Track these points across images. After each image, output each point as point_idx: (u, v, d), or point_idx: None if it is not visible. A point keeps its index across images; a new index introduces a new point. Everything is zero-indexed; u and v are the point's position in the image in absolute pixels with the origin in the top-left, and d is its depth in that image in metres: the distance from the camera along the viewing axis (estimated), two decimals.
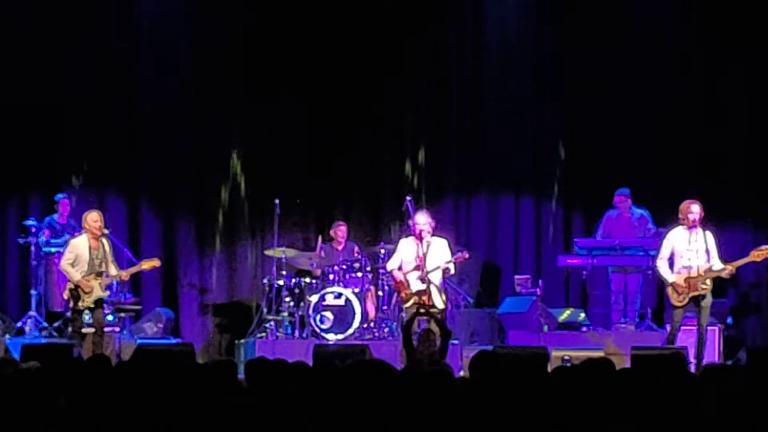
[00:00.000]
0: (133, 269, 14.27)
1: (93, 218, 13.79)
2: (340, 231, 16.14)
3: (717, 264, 13.50)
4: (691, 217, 13.46)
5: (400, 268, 13.76)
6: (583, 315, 15.88)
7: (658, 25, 16.72)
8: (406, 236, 13.99)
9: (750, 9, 16.37)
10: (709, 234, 13.51)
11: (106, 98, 16.82)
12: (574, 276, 16.70)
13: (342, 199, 16.99)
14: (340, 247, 16.06)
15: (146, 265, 14.22)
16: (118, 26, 16.83)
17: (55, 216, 16.06)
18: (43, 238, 15.78)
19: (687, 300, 13.47)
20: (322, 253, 15.94)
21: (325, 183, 16.93)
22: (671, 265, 13.64)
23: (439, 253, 13.64)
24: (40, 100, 16.52)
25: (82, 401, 6.66)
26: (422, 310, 13.34)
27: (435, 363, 11.28)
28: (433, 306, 13.50)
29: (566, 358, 12.32)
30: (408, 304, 13.62)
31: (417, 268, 13.57)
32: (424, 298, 13.52)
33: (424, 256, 13.58)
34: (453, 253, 13.79)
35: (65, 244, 14.42)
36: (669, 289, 13.64)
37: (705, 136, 16.58)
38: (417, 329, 13.49)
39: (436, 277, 13.62)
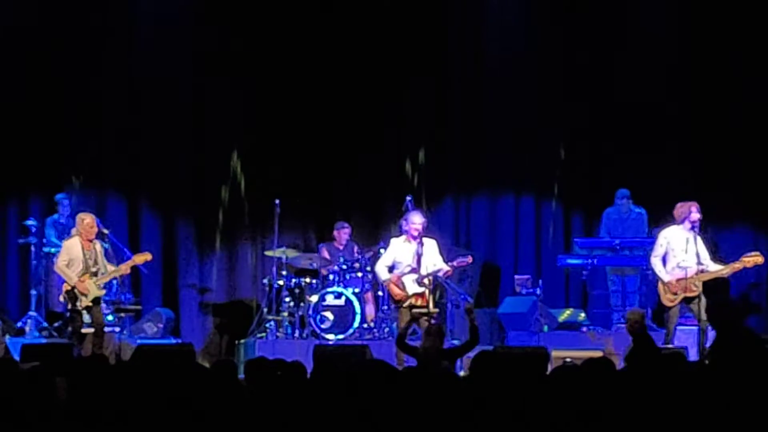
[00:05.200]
0: (127, 264, 14.27)
1: (89, 223, 13.84)
2: (344, 233, 16.13)
3: (712, 265, 13.56)
4: (693, 218, 13.52)
5: (391, 269, 13.72)
6: (583, 315, 15.90)
7: (659, 25, 16.72)
8: (397, 236, 13.95)
9: (749, 10, 16.38)
10: (698, 236, 13.59)
11: (106, 98, 16.82)
12: (574, 276, 16.71)
13: (342, 199, 16.98)
14: (341, 248, 16.07)
15: (138, 259, 14.25)
16: (117, 26, 16.82)
17: (56, 216, 16.06)
18: (53, 236, 15.78)
19: (679, 300, 13.54)
20: (325, 253, 15.96)
21: (325, 183, 16.93)
22: (663, 264, 13.69)
23: (431, 255, 13.64)
24: (40, 101, 16.53)
25: (81, 401, 6.66)
26: (417, 312, 13.41)
27: (442, 357, 11.37)
28: (427, 307, 13.52)
29: (567, 360, 12.31)
30: (404, 305, 13.58)
31: (414, 270, 13.55)
32: (420, 300, 13.51)
33: (419, 257, 13.56)
34: (442, 254, 13.79)
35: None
36: (661, 289, 13.67)
37: (705, 137, 16.59)
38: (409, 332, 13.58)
39: (428, 280, 13.66)
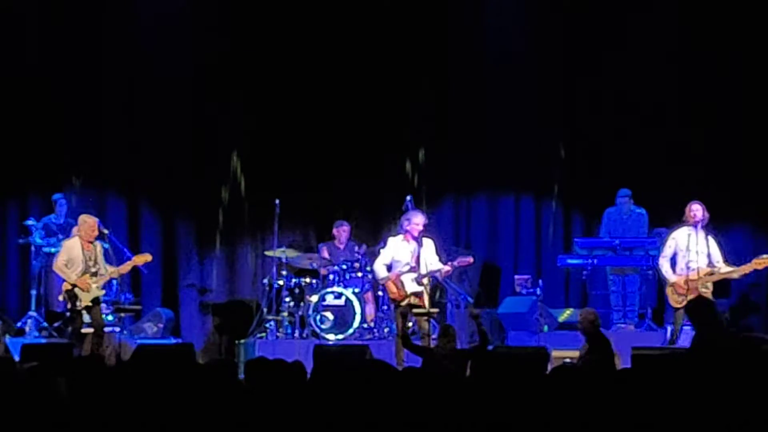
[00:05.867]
0: (127, 265, 14.26)
1: (90, 225, 13.83)
2: (343, 232, 16.14)
3: (724, 267, 13.55)
4: (692, 214, 13.55)
5: (389, 268, 13.70)
6: None
7: (659, 25, 16.72)
8: (395, 235, 13.93)
9: (749, 10, 16.39)
10: (710, 237, 13.60)
11: (106, 98, 16.82)
12: (574, 276, 16.71)
13: (342, 199, 16.97)
14: (341, 247, 16.07)
15: (139, 260, 14.24)
16: (117, 26, 16.82)
17: (53, 216, 16.06)
18: (39, 236, 15.79)
19: (686, 302, 13.52)
20: (326, 253, 15.96)
21: (325, 183, 16.92)
22: (673, 265, 13.71)
23: (429, 255, 13.64)
24: (40, 101, 16.53)
25: (81, 401, 6.66)
26: (415, 312, 13.42)
27: (455, 358, 11.40)
28: (426, 307, 13.52)
29: (567, 360, 12.32)
30: (402, 304, 13.58)
31: (413, 270, 13.54)
32: (418, 300, 13.51)
33: (418, 257, 13.55)
34: (438, 255, 13.78)
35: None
36: (668, 290, 13.71)
37: (705, 136, 16.59)
38: (409, 326, 13.58)
39: (426, 279, 13.66)
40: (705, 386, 6.74)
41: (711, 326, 10.26)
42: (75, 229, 14.03)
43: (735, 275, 13.76)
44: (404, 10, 16.85)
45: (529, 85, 16.98)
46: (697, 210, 13.57)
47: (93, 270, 13.74)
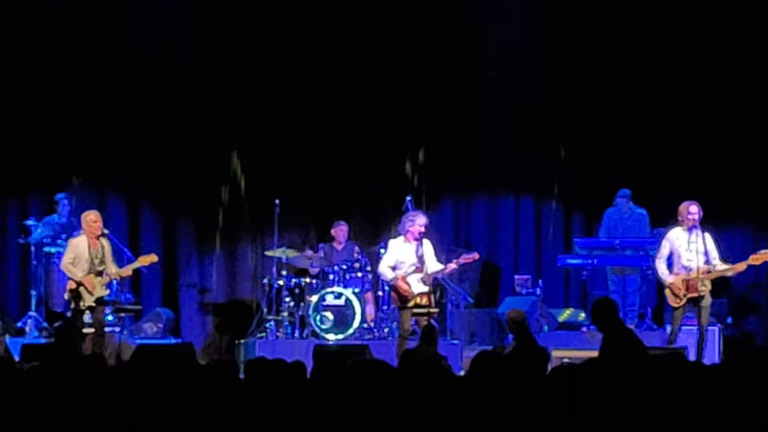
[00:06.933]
0: (131, 266, 14.23)
1: (92, 219, 13.80)
2: (341, 231, 16.14)
3: (720, 264, 13.54)
4: (690, 217, 13.52)
5: (393, 269, 13.69)
6: (583, 315, 15.90)
7: (659, 25, 16.72)
8: (395, 237, 13.91)
9: (749, 10, 16.39)
10: (707, 235, 13.57)
11: (107, 98, 16.82)
12: (574, 276, 16.71)
13: (342, 199, 16.97)
14: (339, 247, 16.07)
15: (144, 261, 14.20)
16: (117, 26, 16.83)
17: (55, 216, 16.06)
18: (39, 234, 15.77)
19: (684, 301, 13.52)
20: (322, 253, 15.97)
21: (325, 183, 16.92)
22: (670, 265, 13.69)
23: (429, 256, 13.64)
24: (40, 100, 16.53)
25: (81, 401, 6.67)
26: (419, 312, 13.42)
27: (436, 362, 11.37)
28: (428, 307, 13.51)
29: (566, 360, 12.31)
30: (409, 305, 13.56)
31: (418, 270, 13.53)
32: (425, 300, 13.51)
33: (422, 257, 13.55)
34: (437, 256, 13.78)
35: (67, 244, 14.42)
36: (666, 290, 13.69)
37: (705, 137, 16.60)
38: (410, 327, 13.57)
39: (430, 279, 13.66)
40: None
41: (614, 326, 10.40)
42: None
43: (731, 272, 13.75)
44: (404, 11, 16.84)
45: (529, 85, 16.99)
46: (695, 213, 13.54)
47: (99, 269, 13.69)
